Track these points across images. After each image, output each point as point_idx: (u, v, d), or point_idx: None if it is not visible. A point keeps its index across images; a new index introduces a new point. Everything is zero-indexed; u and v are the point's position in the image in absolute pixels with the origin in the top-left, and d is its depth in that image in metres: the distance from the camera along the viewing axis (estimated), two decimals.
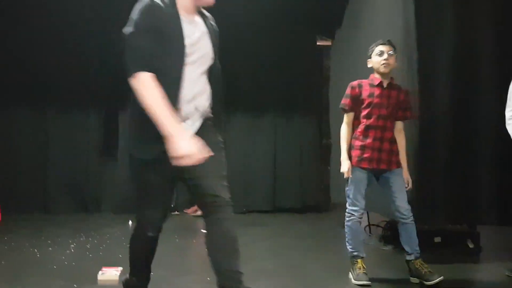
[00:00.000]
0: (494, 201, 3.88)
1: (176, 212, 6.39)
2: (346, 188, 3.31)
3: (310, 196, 6.81)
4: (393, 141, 3.26)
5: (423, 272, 3.16)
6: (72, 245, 4.21)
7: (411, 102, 3.37)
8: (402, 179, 3.25)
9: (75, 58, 6.21)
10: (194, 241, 4.79)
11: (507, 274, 3.37)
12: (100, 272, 3.15)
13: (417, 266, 3.20)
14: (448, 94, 3.87)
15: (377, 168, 3.21)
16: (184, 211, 6.24)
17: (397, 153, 3.27)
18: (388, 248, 4.30)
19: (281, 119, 6.87)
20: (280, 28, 6.62)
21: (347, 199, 3.31)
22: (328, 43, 6.75)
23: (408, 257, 3.25)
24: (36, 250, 3.96)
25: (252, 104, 6.72)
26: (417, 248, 3.22)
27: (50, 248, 4.08)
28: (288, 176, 6.79)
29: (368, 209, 4.54)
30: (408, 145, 3.47)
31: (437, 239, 4.17)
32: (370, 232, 4.95)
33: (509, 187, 3.73)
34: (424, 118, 3.72)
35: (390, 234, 4.52)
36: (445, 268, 3.49)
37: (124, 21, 2.24)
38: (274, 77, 6.73)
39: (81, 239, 4.50)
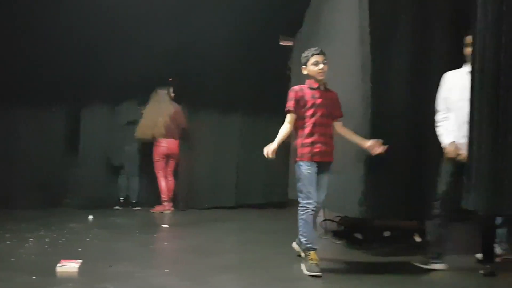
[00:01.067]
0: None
1: (138, 208, 6.44)
2: (298, 184, 3.56)
3: (273, 193, 6.99)
4: (332, 137, 3.64)
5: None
6: (31, 239, 4.22)
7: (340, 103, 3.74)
8: (329, 174, 3.63)
9: (41, 57, 6.18)
10: (155, 235, 4.87)
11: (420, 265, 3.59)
12: (59, 265, 3.21)
13: (310, 257, 3.43)
14: (400, 95, 4.04)
15: (323, 160, 3.57)
16: (150, 210, 6.29)
17: (333, 147, 3.65)
18: (341, 242, 4.50)
19: (247, 118, 7.00)
20: (244, 27, 6.74)
21: (300, 195, 3.55)
22: (290, 43, 6.91)
23: (301, 238, 3.53)
24: None
25: (218, 103, 6.82)
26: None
27: (9, 242, 4.09)
28: (252, 173, 6.93)
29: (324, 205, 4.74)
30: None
31: (387, 233, 4.40)
32: (325, 227, 5.14)
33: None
34: (375, 118, 3.88)
35: (344, 229, 4.74)
36: (392, 260, 3.72)
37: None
38: (240, 76, 6.85)
39: (41, 233, 4.51)
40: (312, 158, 3.51)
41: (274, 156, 3.50)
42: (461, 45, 3.64)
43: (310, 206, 3.45)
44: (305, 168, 3.51)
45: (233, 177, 6.87)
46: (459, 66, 3.71)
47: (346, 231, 4.72)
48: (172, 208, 6.41)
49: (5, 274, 3.09)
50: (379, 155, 3.58)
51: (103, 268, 3.33)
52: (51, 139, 6.45)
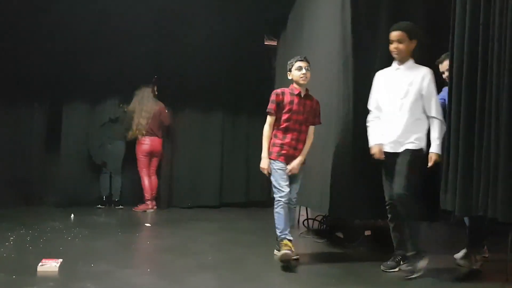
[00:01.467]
0: (422, 199, 4.11)
1: (121, 207, 6.41)
2: (272, 179, 3.76)
3: (255, 192, 7.02)
4: (304, 143, 3.84)
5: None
6: (12, 238, 4.18)
7: (320, 111, 3.92)
8: (301, 175, 3.85)
9: (21, 54, 6.12)
10: (137, 234, 4.85)
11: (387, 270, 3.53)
12: (39, 264, 3.19)
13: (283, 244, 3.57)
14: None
15: (288, 163, 3.76)
16: (133, 209, 6.26)
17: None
18: (322, 241, 4.55)
19: (229, 117, 7.01)
20: (229, 26, 6.76)
21: (273, 189, 3.75)
22: (275, 43, 6.95)
23: (278, 231, 3.67)
24: None
25: (201, 102, 6.83)
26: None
27: None
28: (234, 173, 6.95)
29: (304, 204, 4.79)
30: (345, 144, 3.93)
31: (367, 232, 4.46)
32: (308, 226, 5.19)
33: (435, 186, 3.95)
34: (358, 119, 3.93)
35: (325, 228, 4.79)
36: (373, 257, 3.79)
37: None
38: (223, 75, 6.86)
39: (21, 231, 4.47)
40: (278, 157, 3.74)
41: (269, 170, 3.76)
42: (440, 46, 3.70)
43: (282, 199, 3.64)
44: (275, 165, 3.73)
45: (216, 176, 6.88)
46: (437, 68, 3.79)
47: (328, 230, 4.78)
48: (155, 207, 6.40)
49: None
50: (362, 156, 3.65)
51: (84, 267, 3.31)
52: (31, 136, 6.39)
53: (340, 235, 4.59)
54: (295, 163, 3.77)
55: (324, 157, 4.19)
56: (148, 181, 6.38)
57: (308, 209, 5.35)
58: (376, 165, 3.64)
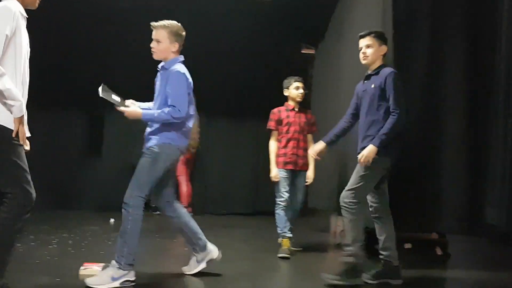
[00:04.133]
0: (464, 212, 3.99)
1: (158, 212, 6.48)
2: (275, 187, 4.36)
3: None
4: (305, 149, 4.36)
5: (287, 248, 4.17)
6: (54, 241, 4.29)
7: (315, 120, 4.54)
8: (304, 179, 4.39)
9: (63, 58, 6.30)
10: (175, 240, 4.89)
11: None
12: (82, 268, 3.25)
13: (282, 243, 4.20)
14: (421, 105, 4.03)
15: (295, 169, 4.35)
16: None
17: (307, 158, 4.37)
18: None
19: (265, 124, 6.98)
20: (266, 35, 6.78)
21: (276, 194, 4.35)
22: (312, 51, 6.92)
23: (279, 230, 4.30)
24: (19, 245, 4.02)
25: (236, 108, 6.87)
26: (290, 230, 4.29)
27: (33, 244, 4.15)
28: (269, 180, 6.91)
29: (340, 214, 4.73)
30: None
31: (408, 245, 4.35)
32: (343, 237, 5.10)
33: (478, 198, 3.84)
34: None
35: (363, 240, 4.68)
36: (413, 272, 3.69)
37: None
38: (258, 83, 6.88)
39: (63, 235, 4.58)
40: (284, 166, 4.33)
41: (278, 177, 4.33)
42: (473, 50, 3.60)
43: (282, 203, 4.29)
44: (280, 174, 4.33)
45: (251, 183, 6.89)
46: (476, 72, 3.68)
47: (366, 241, 4.67)
48: (191, 214, 6.44)
49: (29, 275, 3.14)
50: (401, 166, 3.56)
51: None
52: (72, 141, 6.56)
53: (378, 247, 4.49)
54: (311, 172, 4.42)
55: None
56: (186, 188, 6.43)
57: (343, 220, 5.26)
58: (415, 175, 3.57)
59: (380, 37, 3.44)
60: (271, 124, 4.47)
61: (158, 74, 3.41)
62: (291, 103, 4.47)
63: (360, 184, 3.25)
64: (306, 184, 4.44)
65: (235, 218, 6.40)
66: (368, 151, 3.19)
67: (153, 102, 3.40)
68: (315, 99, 6.52)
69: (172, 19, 3.49)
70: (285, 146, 4.37)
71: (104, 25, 6.33)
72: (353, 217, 3.31)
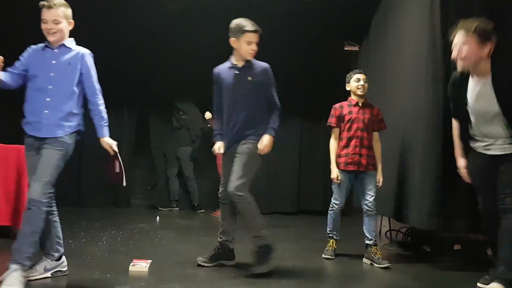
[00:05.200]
0: None
1: (202, 211, 6.59)
2: (332, 186, 4.12)
3: None
4: (370, 148, 4.00)
5: (376, 257, 3.82)
6: (104, 238, 4.43)
7: (383, 117, 4.10)
8: (374, 180, 3.98)
9: (111, 61, 6.49)
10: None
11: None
12: (131, 264, 3.35)
13: (372, 251, 3.86)
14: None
15: (358, 170, 3.97)
16: (212, 214, 6.36)
17: (373, 158, 4.01)
18: (407, 253, 4.37)
19: (307, 123, 6.98)
20: (308, 32, 6.74)
21: (333, 195, 4.12)
22: (356, 48, 6.82)
23: (367, 241, 3.92)
24: (71, 241, 4.19)
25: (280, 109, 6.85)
26: (374, 236, 3.93)
27: (84, 240, 4.31)
28: (312, 179, 6.90)
29: (388, 215, 4.65)
30: (434, 153, 3.76)
31: (457, 247, 4.22)
32: (391, 237, 5.02)
33: None
34: (447, 127, 3.75)
35: (410, 240, 4.60)
36: (463, 276, 3.57)
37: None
38: (301, 81, 6.86)
39: (112, 232, 4.73)
40: (345, 167, 3.99)
41: (339, 179, 4.01)
42: None
43: (336, 206, 4.09)
44: (340, 176, 4.00)
45: (294, 182, 6.87)
46: None
47: (413, 242, 4.58)
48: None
49: (80, 270, 3.25)
50: (451, 167, 3.46)
51: (171, 269, 3.43)
52: (119, 141, 6.72)
53: (427, 248, 4.39)
54: (380, 175, 4.01)
55: (411, 167, 4.04)
56: None
57: (390, 220, 5.17)
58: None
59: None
60: (332, 121, 4.10)
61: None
62: (354, 98, 4.08)
63: (248, 174, 3.48)
64: (377, 186, 3.99)
65: (278, 218, 6.40)
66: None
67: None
68: None
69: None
70: (347, 145, 4.00)
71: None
72: (250, 206, 3.46)
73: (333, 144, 4.11)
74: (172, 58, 6.66)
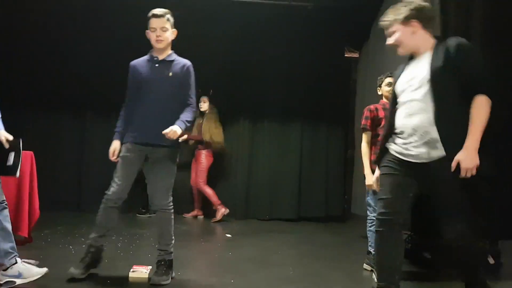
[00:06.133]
0: None
1: (201, 216, 6.57)
2: (367, 198, 3.78)
3: (333, 206, 6.92)
4: None
5: None
6: (105, 244, 4.41)
7: None
8: None
9: (116, 63, 6.50)
10: (219, 244, 4.95)
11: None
12: (131, 270, 3.34)
13: (373, 257, 3.67)
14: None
15: None
16: (211, 221, 6.29)
17: None
18: (408, 260, 4.35)
19: (308, 129, 6.99)
20: (309, 39, 6.76)
21: (369, 208, 3.79)
22: (356, 55, 6.86)
23: (370, 249, 3.81)
24: (71, 247, 4.19)
25: (279, 114, 6.88)
26: None
27: (84, 246, 4.29)
28: (313, 185, 6.89)
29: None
30: None
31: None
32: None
33: None
34: None
35: (410, 247, 4.58)
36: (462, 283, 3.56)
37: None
38: (302, 87, 6.87)
39: (113, 237, 4.72)
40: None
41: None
42: None
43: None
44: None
45: (295, 188, 6.86)
46: None
47: (413, 249, 4.56)
48: (228, 210, 6.40)
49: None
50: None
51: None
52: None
53: (427, 255, 4.37)
54: None
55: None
56: (209, 189, 6.41)
57: None
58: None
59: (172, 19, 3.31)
60: (367, 123, 3.84)
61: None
62: (386, 101, 3.89)
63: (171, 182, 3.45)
64: None
65: (279, 224, 6.40)
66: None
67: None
68: (359, 103, 6.45)
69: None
70: None
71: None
72: (171, 216, 3.44)
73: (366, 148, 3.83)
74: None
